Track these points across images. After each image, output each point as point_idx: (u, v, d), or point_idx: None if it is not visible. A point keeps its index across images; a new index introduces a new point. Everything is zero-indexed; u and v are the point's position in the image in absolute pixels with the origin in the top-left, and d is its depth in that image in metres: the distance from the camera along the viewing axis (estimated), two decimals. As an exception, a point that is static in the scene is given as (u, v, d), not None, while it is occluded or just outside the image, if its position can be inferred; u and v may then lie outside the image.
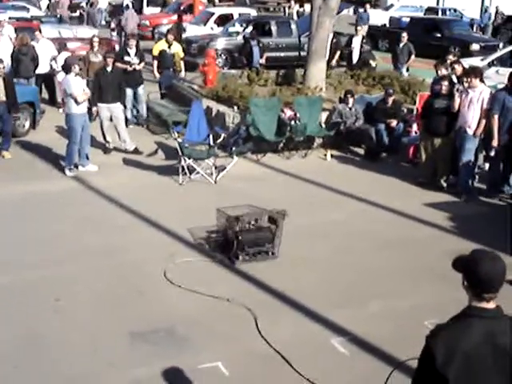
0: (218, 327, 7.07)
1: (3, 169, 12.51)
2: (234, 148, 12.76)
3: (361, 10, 31.75)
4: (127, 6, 32.32)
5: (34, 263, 8.51)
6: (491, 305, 3.44)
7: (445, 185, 11.84)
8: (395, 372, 5.42)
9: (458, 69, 12.85)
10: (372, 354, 6.61)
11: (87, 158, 12.46)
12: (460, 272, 3.53)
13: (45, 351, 6.58)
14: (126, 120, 15.15)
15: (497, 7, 38.74)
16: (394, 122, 13.80)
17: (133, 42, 15.92)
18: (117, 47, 21.76)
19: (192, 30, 25.94)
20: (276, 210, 8.91)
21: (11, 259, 8.63)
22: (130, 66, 15.40)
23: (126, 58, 15.51)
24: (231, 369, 6.31)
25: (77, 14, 33.99)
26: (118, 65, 15.07)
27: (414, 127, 13.66)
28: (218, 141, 12.54)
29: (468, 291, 3.48)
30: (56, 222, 9.94)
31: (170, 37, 17.10)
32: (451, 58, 14.43)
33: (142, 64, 15.82)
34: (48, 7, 37.17)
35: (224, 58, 23.37)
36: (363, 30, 28.33)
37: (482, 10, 37.38)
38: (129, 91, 15.27)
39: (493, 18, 36.89)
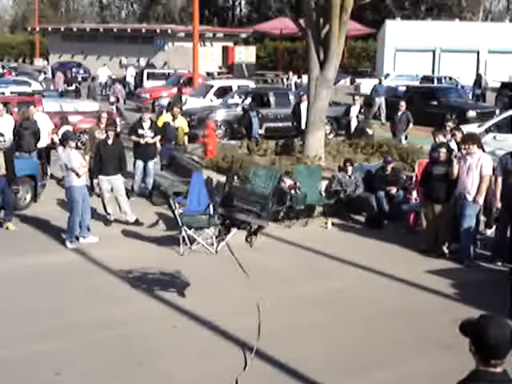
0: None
1: (4, 242, 12.48)
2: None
3: (376, 83, 32.14)
4: (113, 80, 32.85)
5: (34, 337, 8.42)
6: (498, 369, 3.39)
7: (447, 251, 11.80)
8: None
9: (459, 135, 13.00)
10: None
11: (88, 230, 12.47)
12: (467, 337, 3.49)
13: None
14: (132, 191, 15.24)
15: (479, 74, 39.18)
16: (393, 190, 13.85)
17: (147, 116, 16.02)
18: (117, 120, 22.00)
19: (192, 103, 26.30)
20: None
21: (11, 333, 8.54)
22: (143, 139, 15.49)
23: (140, 131, 15.57)
24: None
25: (72, 87, 34.43)
26: (132, 137, 15.22)
27: (414, 194, 13.70)
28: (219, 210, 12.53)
29: (475, 356, 3.44)
30: (57, 295, 9.88)
31: (176, 110, 17.25)
32: (451, 124, 14.63)
33: (157, 138, 15.85)
34: (45, 79, 37.67)
35: (224, 129, 23.62)
36: (379, 101, 28.84)
37: (476, 78, 37.73)
38: (139, 163, 15.35)
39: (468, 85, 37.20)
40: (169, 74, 38.77)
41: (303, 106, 19.62)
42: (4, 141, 13.36)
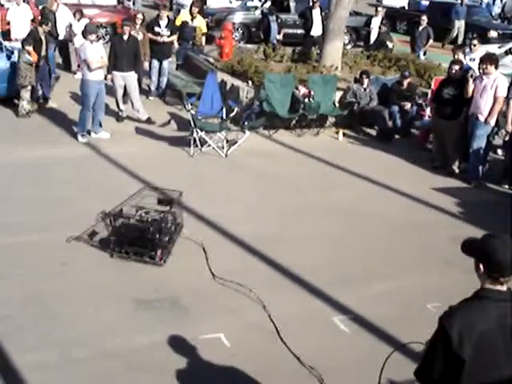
0: (221, 300, 7.12)
1: (17, 132, 12.55)
2: (246, 122, 12.76)
3: (457, 2, 28.59)
4: None
5: (42, 226, 8.58)
6: (504, 287, 3.45)
7: (457, 170, 11.83)
8: (395, 353, 5.45)
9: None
10: (373, 334, 6.66)
11: (100, 125, 12.50)
12: (471, 256, 3.52)
13: (47, 313, 6.64)
14: (149, 91, 15.27)
15: None
16: (407, 105, 13.77)
17: (164, 14, 15.70)
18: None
19: (212, 3, 25.84)
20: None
21: (16, 221, 8.68)
22: (160, 38, 15.28)
23: (156, 30, 15.33)
24: (233, 341, 6.37)
25: None
26: (149, 35, 14.98)
27: (428, 111, 13.63)
28: (231, 114, 12.55)
29: (482, 275, 3.47)
30: (65, 187, 9.98)
31: (194, 9, 16.94)
32: (475, 42, 14.77)
33: (173, 37, 15.65)
34: None
35: (241, 32, 23.31)
36: (458, 24, 26.84)
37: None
38: (155, 63, 15.21)
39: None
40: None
41: (315, 13, 19.19)
42: (48, 23, 13.99)
